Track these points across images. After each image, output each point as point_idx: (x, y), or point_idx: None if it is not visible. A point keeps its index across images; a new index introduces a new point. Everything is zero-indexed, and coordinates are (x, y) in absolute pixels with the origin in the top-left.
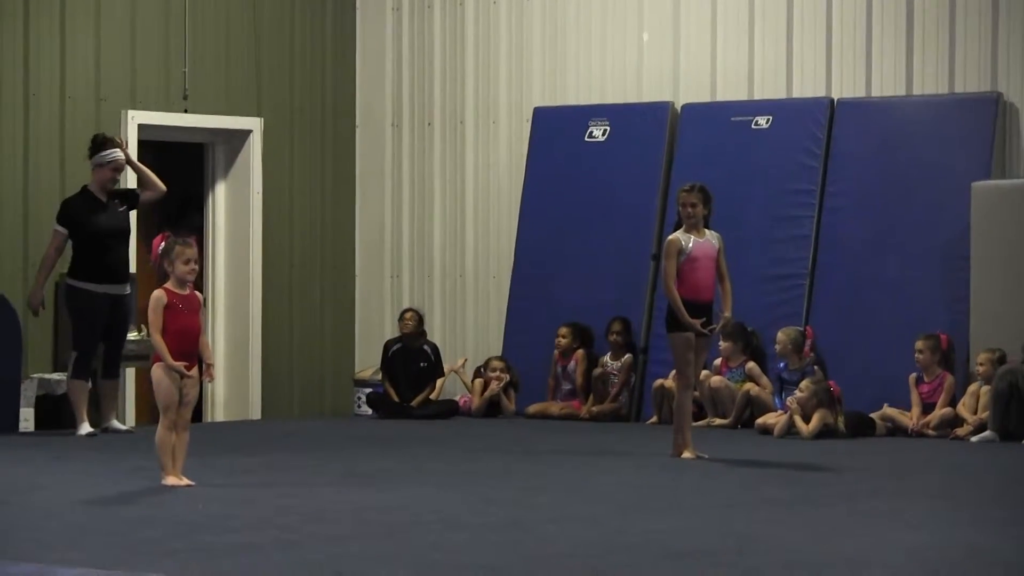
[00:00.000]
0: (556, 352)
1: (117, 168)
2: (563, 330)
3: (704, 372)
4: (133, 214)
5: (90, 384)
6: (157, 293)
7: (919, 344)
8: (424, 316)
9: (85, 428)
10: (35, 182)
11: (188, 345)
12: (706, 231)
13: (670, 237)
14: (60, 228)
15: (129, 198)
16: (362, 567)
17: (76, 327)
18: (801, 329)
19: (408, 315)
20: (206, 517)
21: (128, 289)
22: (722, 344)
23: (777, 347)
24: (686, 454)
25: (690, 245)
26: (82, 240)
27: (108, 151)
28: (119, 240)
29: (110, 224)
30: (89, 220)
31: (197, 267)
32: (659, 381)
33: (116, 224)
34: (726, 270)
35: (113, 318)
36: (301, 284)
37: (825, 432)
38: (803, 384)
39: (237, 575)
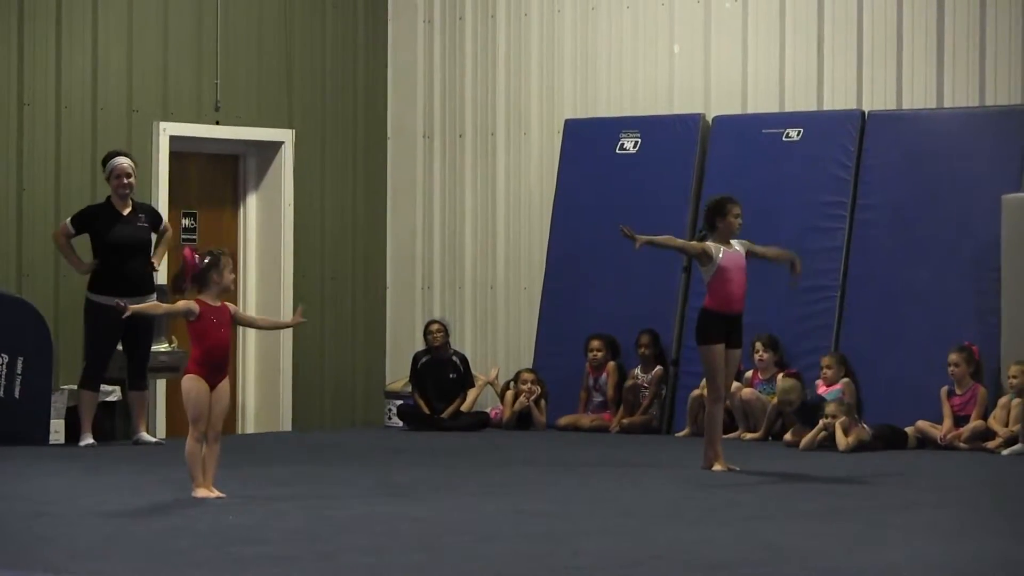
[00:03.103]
0: (588, 365)
1: (123, 174)
2: (595, 343)
3: (735, 384)
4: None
5: (107, 396)
6: (190, 302)
7: (953, 357)
8: (449, 327)
9: (87, 439)
10: (67, 193)
11: (219, 358)
12: (732, 242)
13: (705, 243)
14: (68, 222)
15: (154, 220)
16: None
17: (87, 338)
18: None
19: (434, 327)
20: (237, 529)
21: (150, 300)
22: (761, 355)
23: (830, 370)
24: (717, 466)
25: (720, 255)
26: (99, 251)
27: (110, 160)
28: (136, 252)
29: (126, 236)
30: (106, 231)
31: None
32: (695, 392)
33: (133, 236)
34: (769, 249)
35: (132, 330)
36: (332, 295)
37: (858, 446)
38: (831, 408)
39: None
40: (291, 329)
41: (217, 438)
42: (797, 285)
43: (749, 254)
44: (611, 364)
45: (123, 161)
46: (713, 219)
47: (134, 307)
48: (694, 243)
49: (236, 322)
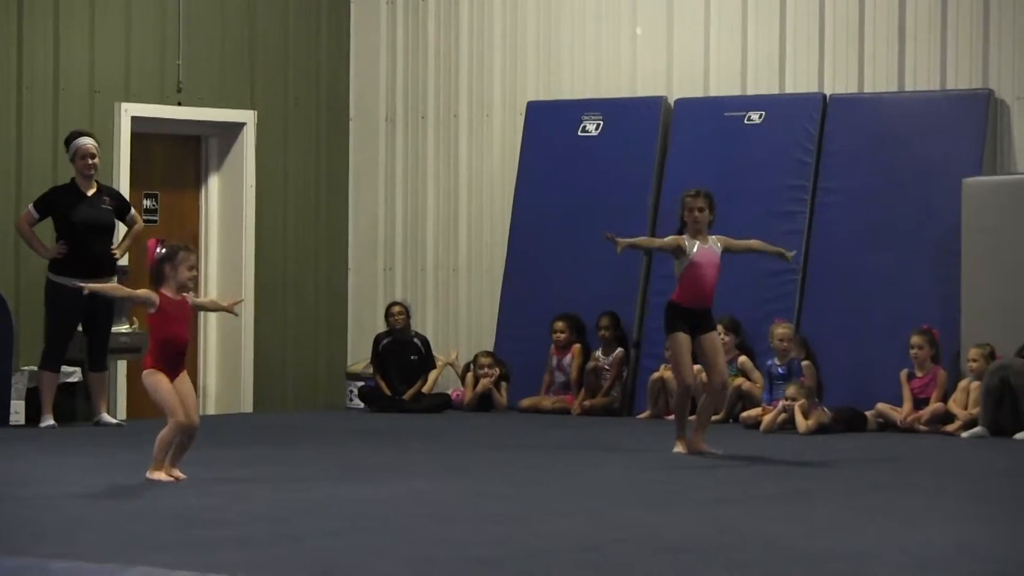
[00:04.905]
0: (553, 347)
1: (87, 154)
2: (559, 324)
3: (696, 367)
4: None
5: (68, 377)
6: (151, 292)
7: (916, 339)
8: (411, 309)
9: (47, 420)
10: (28, 174)
11: (176, 352)
12: (709, 238)
13: (679, 237)
14: (32, 208)
15: (119, 205)
16: (357, 561)
17: (48, 320)
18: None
19: (396, 309)
20: (200, 511)
21: (111, 283)
22: (722, 338)
23: (783, 344)
24: (678, 447)
25: (694, 250)
26: (62, 232)
27: (75, 140)
28: (99, 234)
29: (90, 217)
30: (69, 212)
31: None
32: (656, 374)
33: (97, 218)
34: (746, 243)
35: (93, 312)
36: (294, 277)
37: (818, 429)
38: (791, 391)
39: (231, 569)
40: (253, 311)
41: (195, 433)
42: (791, 260)
43: (727, 250)
44: (576, 346)
45: (87, 141)
46: (682, 214)
47: (93, 286)
48: (668, 239)
49: (195, 310)
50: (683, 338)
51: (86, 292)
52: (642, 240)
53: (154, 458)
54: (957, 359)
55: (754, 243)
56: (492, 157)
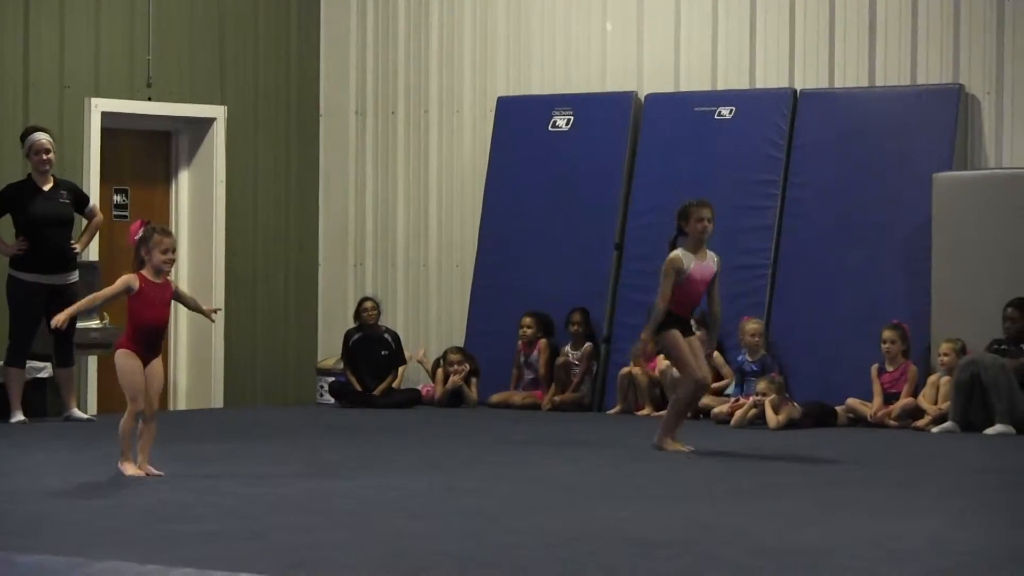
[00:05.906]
0: (520, 342)
1: (42, 149)
2: (527, 320)
3: (667, 362)
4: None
5: (38, 372)
6: (130, 277)
7: (887, 334)
8: (381, 304)
9: (18, 416)
10: None
11: (153, 336)
12: (708, 252)
13: (673, 255)
14: None
15: (77, 198)
16: (327, 556)
17: (11, 316)
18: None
19: (368, 304)
20: (170, 506)
21: (72, 278)
22: (696, 333)
23: (754, 339)
24: (674, 446)
25: (691, 266)
26: (20, 228)
27: (29, 136)
28: (58, 228)
29: (47, 212)
30: (26, 207)
31: (175, 257)
32: (625, 369)
33: (55, 212)
34: (718, 295)
35: (56, 307)
36: (264, 272)
37: (789, 424)
38: (762, 386)
39: (200, 564)
40: (223, 306)
41: (154, 417)
42: (709, 348)
43: (715, 278)
44: (543, 342)
45: (42, 136)
46: (680, 224)
47: (68, 312)
48: (665, 281)
49: (176, 299)
50: (676, 333)
51: (57, 326)
52: (655, 316)
53: (121, 450)
54: (927, 354)
55: (717, 307)
56: (462, 152)
